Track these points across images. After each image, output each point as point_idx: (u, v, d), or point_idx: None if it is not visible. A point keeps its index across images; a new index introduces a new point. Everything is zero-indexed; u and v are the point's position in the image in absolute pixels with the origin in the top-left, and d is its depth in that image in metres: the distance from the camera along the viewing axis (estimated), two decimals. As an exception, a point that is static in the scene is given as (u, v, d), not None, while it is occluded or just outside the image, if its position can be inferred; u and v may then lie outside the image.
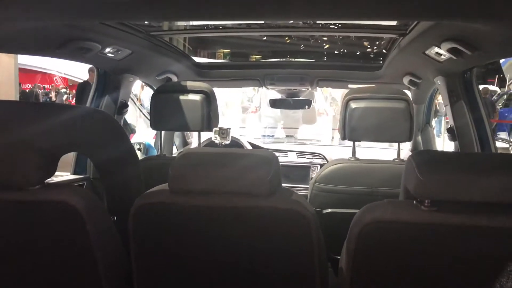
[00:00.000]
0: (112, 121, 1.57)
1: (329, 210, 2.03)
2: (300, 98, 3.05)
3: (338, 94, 7.27)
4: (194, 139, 3.80)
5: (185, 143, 3.63)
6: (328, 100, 6.81)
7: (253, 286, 1.29)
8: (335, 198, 2.03)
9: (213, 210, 1.21)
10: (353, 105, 2.05)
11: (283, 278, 1.27)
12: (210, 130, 2.37)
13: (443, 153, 1.23)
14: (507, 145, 10.31)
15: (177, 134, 3.46)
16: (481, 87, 7.64)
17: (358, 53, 2.69)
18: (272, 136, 5.70)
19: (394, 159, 2.19)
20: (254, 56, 2.90)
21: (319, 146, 3.50)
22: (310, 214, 1.19)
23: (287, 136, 5.58)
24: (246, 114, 6.82)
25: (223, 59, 2.90)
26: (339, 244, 1.33)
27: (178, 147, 3.50)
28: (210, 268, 1.29)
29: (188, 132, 3.69)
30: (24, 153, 1.16)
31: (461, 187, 1.05)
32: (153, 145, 3.75)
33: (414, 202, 1.11)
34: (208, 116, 2.23)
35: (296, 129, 5.76)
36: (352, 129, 2.05)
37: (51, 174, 1.24)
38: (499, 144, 10.95)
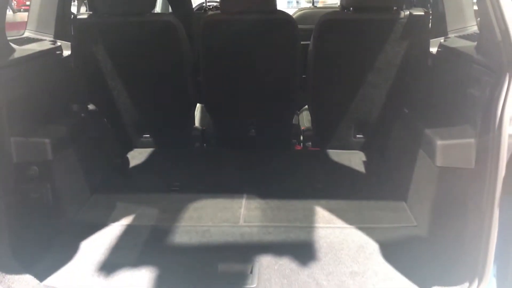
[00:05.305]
0: None
1: None
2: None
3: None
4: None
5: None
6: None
7: (257, 78, 2.21)
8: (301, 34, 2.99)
9: (245, 23, 2.08)
10: None
11: (276, 67, 2.20)
12: None
13: None
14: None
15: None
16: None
17: None
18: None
19: (338, 5, 3.11)
20: None
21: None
22: (294, 21, 2.11)
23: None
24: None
25: None
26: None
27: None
28: (241, 64, 2.20)
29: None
30: None
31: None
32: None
33: (345, 10, 2.06)
34: None
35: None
36: None
37: (154, 7, 2.09)
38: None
